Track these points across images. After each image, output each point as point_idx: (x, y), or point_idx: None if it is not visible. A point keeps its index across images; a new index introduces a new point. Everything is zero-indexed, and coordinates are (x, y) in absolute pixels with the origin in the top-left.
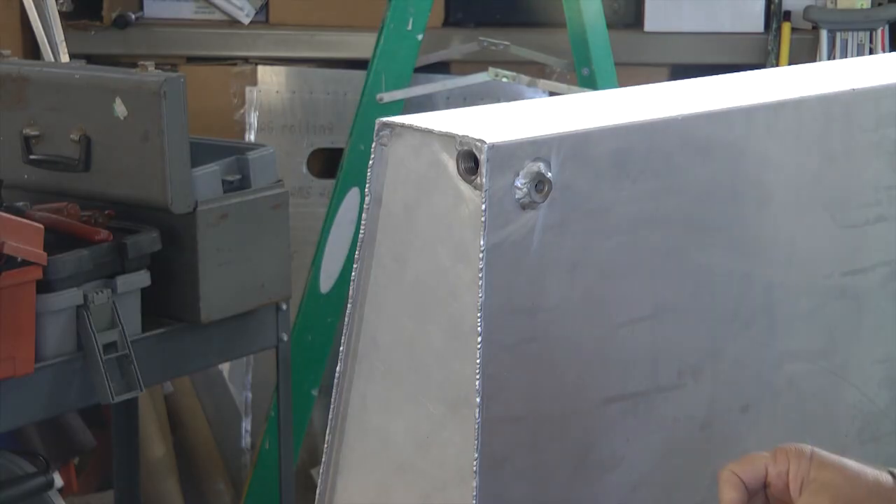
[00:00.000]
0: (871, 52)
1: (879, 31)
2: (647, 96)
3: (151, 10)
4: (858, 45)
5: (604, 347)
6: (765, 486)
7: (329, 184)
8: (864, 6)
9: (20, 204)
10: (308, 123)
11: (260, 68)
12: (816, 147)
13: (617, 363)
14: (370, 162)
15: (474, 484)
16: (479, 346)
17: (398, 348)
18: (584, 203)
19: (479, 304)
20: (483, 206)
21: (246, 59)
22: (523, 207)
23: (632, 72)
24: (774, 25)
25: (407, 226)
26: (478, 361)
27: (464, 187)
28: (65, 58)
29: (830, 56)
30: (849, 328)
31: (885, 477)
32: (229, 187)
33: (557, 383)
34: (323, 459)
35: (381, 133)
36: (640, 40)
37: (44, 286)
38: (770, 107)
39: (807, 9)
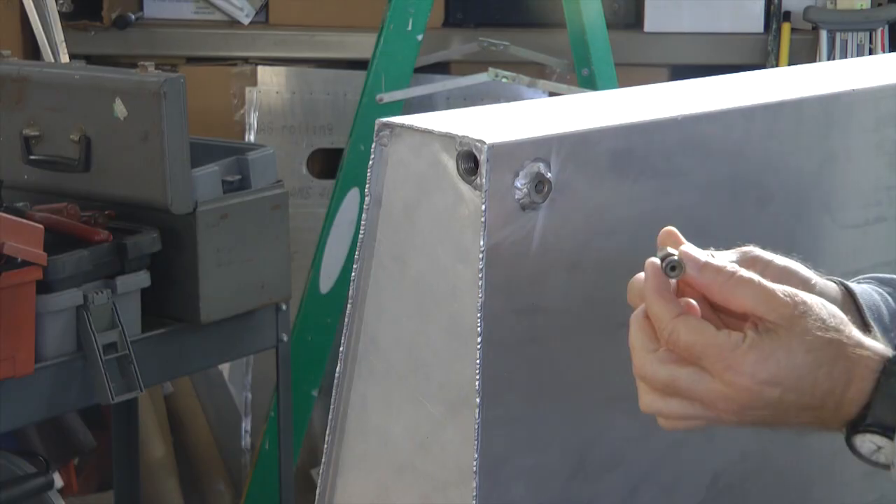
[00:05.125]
0: (870, 53)
1: (879, 32)
2: (647, 96)
3: (151, 10)
4: (858, 45)
5: (604, 347)
6: None
7: (329, 184)
8: (864, 6)
9: (20, 204)
10: (308, 124)
11: (260, 69)
12: (816, 147)
13: (617, 363)
14: (370, 162)
15: (474, 484)
16: (479, 346)
17: (398, 348)
18: (584, 203)
19: (479, 304)
20: (483, 207)
21: (246, 60)
22: (523, 208)
23: (632, 72)
24: (774, 26)
25: (407, 226)
26: (478, 361)
27: (464, 187)
28: (65, 58)
29: (830, 56)
30: None
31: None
32: (229, 188)
33: (557, 383)
34: (323, 459)
35: (381, 133)
36: (640, 40)
37: (44, 286)
38: (770, 107)
39: (807, 9)
